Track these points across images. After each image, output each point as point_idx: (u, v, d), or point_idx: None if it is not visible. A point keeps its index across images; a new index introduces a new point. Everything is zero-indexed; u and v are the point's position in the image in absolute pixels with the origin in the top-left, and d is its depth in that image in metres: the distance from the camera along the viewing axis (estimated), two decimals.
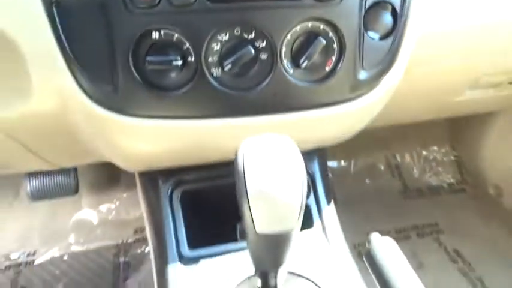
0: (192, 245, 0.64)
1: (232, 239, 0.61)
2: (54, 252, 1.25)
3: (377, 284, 0.49)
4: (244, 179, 0.40)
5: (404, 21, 0.58)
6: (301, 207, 0.41)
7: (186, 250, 0.63)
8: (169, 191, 0.67)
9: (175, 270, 0.60)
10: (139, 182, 0.72)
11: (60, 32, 0.51)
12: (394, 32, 0.57)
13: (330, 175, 1.52)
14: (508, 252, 1.26)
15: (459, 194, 1.51)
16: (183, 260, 0.62)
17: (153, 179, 0.69)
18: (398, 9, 0.57)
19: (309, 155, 0.71)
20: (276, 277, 0.50)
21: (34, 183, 1.10)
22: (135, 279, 1.17)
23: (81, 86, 0.54)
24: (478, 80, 0.78)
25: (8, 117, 0.58)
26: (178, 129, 0.58)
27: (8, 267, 1.23)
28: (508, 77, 0.81)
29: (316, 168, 0.72)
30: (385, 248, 0.50)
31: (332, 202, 0.71)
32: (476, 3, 0.65)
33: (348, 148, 1.55)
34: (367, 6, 0.55)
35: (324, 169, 0.74)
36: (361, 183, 1.52)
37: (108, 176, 1.35)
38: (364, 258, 0.51)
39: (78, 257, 1.24)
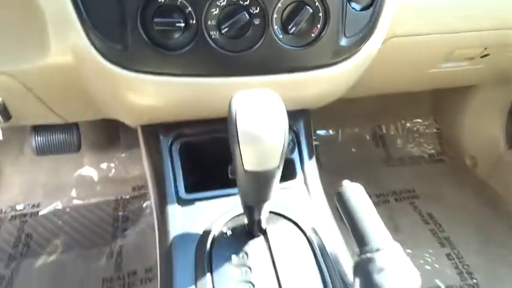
0: (189, 189, 0.72)
1: (225, 185, 0.70)
2: (57, 204, 1.34)
3: (345, 220, 0.58)
4: (236, 123, 0.47)
5: None
6: (283, 148, 0.49)
7: (183, 193, 0.71)
8: (169, 142, 0.75)
9: (174, 210, 0.69)
10: (141, 134, 0.79)
11: None
12: (374, 4, 0.64)
13: (317, 143, 1.61)
14: (476, 215, 1.38)
15: (438, 164, 1.61)
16: (181, 201, 0.70)
17: (154, 132, 0.76)
18: None
19: (295, 115, 0.79)
20: (260, 212, 0.59)
21: (39, 139, 1.17)
22: (133, 230, 1.27)
23: (93, 44, 0.61)
24: (453, 53, 0.86)
25: (27, 70, 0.65)
26: (178, 86, 0.65)
27: (14, 217, 1.32)
28: (481, 51, 0.89)
29: (301, 126, 0.80)
30: (354, 191, 0.59)
31: (314, 158, 0.80)
32: None
33: (337, 118, 1.64)
34: None
35: (307, 129, 0.81)
36: (347, 151, 1.61)
37: (109, 137, 1.43)
38: (335, 199, 0.60)
39: (79, 210, 1.34)
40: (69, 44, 0.62)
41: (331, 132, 1.65)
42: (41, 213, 1.33)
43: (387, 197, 1.45)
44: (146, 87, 0.66)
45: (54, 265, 1.18)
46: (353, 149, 1.62)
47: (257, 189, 0.54)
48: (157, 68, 0.63)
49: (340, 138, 1.64)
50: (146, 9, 0.58)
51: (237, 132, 0.47)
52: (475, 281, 1.20)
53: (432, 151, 1.66)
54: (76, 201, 1.36)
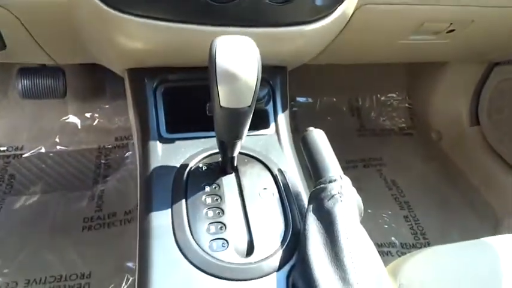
0: (170, 130, 0.78)
1: (206, 129, 0.76)
2: (41, 148, 1.39)
3: (306, 158, 0.66)
4: (215, 62, 0.53)
5: None
6: (255, 89, 0.55)
7: (164, 133, 0.77)
8: (154, 86, 0.80)
9: (155, 147, 0.75)
10: (127, 78, 0.84)
11: None
12: None
13: (296, 109, 1.69)
14: (436, 185, 1.49)
15: (406, 136, 1.71)
16: (162, 139, 0.76)
17: (140, 76, 0.81)
18: None
19: (272, 70, 0.85)
20: (233, 150, 0.66)
21: (25, 82, 1.20)
22: (114, 177, 1.33)
23: None
24: (421, 25, 0.93)
25: (22, 4, 0.69)
26: (164, 30, 0.69)
27: None
28: (447, 26, 0.96)
29: (277, 82, 0.86)
30: (316, 135, 0.67)
31: (287, 111, 0.87)
32: None
33: (316, 88, 1.71)
34: None
35: (283, 84, 0.88)
36: (323, 119, 1.70)
37: (94, 87, 1.46)
38: (300, 142, 0.68)
39: (62, 155, 1.39)
40: None
41: (310, 100, 1.72)
42: (24, 155, 1.37)
43: (356, 163, 1.55)
44: (135, 30, 0.70)
45: (36, 204, 1.23)
46: (329, 118, 1.70)
47: (231, 126, 0.60)
48: (147, 11, 0.67)
49: (318, 107, 1.72)
50: None
51: (216, 71, 0.53)
52: (427, 240, 1.32)
53: (402, 125, 1.76)
54: (59, 147, 1.40)
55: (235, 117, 0.58)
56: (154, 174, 0.69)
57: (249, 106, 0.57)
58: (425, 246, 1.30)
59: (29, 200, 1.24)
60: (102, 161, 1.39)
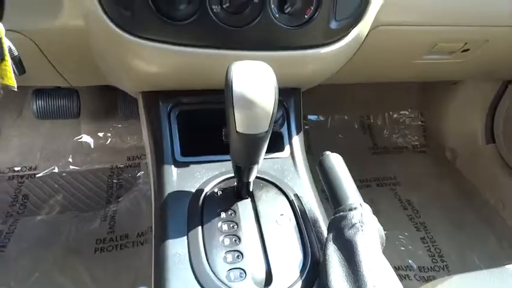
0: (185, 153, 0.78)
1: (220, 152, 0.76)
2: (54, 168, 1.40)
3: (324, 184, 0.64)
4: (232, 87, 0.53)
5: None
6: (272, 114, 0.55)
7: (179, 156, 0.77)
8: (168, 109, 0.80)
9: (170, 170, 0.74)
10: (142, 101, 0.84)
11: None
12: None
13: (308, 127, 1.68)
14: (452, 204, 1.46)
15: (420, 154, 1.69)
16: (176, 163, 0.76)
17: (154, 99, 0.81)
18: None
19: (286, 92, 0.85)
20: (248, 175, 0.65)
21: (40, 103, 1.22)
22: (127, 197, 1.33)
23: (104, 10, 0.66)
24: (435, 46, 0.92)
25: (40, 31, 0.70)
26: (179, 54, 0.70)
27: (11, 178, 1.37)
28: (462, 46, 0.95)
29: (291, 103, 0.86)
30: (334, 159, 0.66)
31: (301, 134, 0.86)
32: None
33: (328, 106, 1.70)
34: None
35: (297, 106, 0.87)
36: (335, 137, 1.68)
37: (107, 107, 1.47)
38: (317, 167, 0.66)
39: (75, 175, 1.39)
40: (81, 7, 0.67)
41: (321, 118, 1.71)
42: (37, 175, 1.38)
43: (370, 182, 1.53)
44: (150, 54, 0.71)
45: (49, 225, 1.23)
46: (340, 136, 1.69)
47: (247, 151, 0.59)
48: (162, 36, 0.68)
49: (329, 125, 1.71)
50: None
51: (232, 96, 0.53)
52: (445, 263, 1.29)
53: (416, 142, 1.73)
54: (72, 167, 1.41)
55: (252, 143, 0.58)
56: (169, 200, 0.69)
57: (266, 132, 0.56)
58: (443, 269, 1.27)
59: (42, 221, 1.24)
60: (115, 181, 1.39)
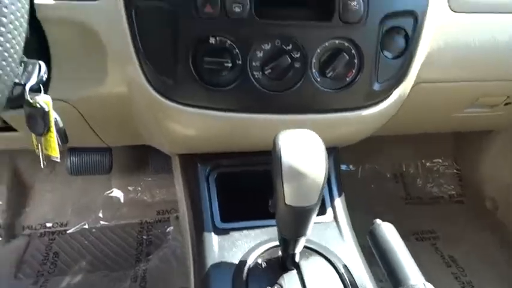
0: (225, 219, 0.75)
1: (260, 216, 0.73)
2: (84, 224, 1.39)
3: (378, 258, 0.60)
4: (280, 159, 0.52)
5: (415, 44, 0.69)
6: (322, 186, 0.53)
7: (219, 223, 0.74)
8: (207, 172, 0.79)
9: (210, 239, 0.71)
10: (179, 163, 0.84)
11: (135, 30, 0.64)
12: (405, 53, 0.69)
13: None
14: (498, 260, 1.36)
15: (457, 205, 1.61)
16: (217, 230, 0.73)
17: (192, 161, 0.81)
18: (410, 34, 0.68)
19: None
20: (295, 246, 0.61)
21: (74, 159, 1.24)
22: (157, 255, 1.30)
23: (146, 77, 0.67)
24: (477, 100, 0.90)
25: (84, 98, 0.72)
26: (221, 120, 0.70)
27: (43, 234, 1.36)
28: (504, 99, 0.93)
29: (331, 164, 0.84)
30: (386, 230, 0.62)
31: (343, 195, 0.83)
32: (482, 31, 0.76)
33: (358, 155, 1.67)
34: (384, 30, 0.67)
35: (337, 167, 0.85)
36: (367, 187, 1.63)
37: (138, 161, 1.48)
38: (368, 237, 0.63)
39: (105, 231, 1.38)
40: (124, 75, 0.68)
41: (352, 168, 1.68)
42: (68, 231, 1.37)
43: (408, 236, 1.45)
44: (190, 119, 0.71)
45: (80, 285, 1.21)
46: (372, 185, 1.64)
47: (295, 224, 0.57)
48: (203, 102, 0.68)
49: (360, 174, 1.66)
50: (198, 49, 0.64)
51: (281, 168, 0.51)
52: None
53: (452, 192, 1.66)
54: (102, 222, 1.40)
55: (300, 215, 0.56)
56: (211, 273, 0.65)
57: (316, 204, 0.54)
58: None
59: (72, 281, 1.21)
60: (144, 237, 1.37)
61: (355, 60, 0.67)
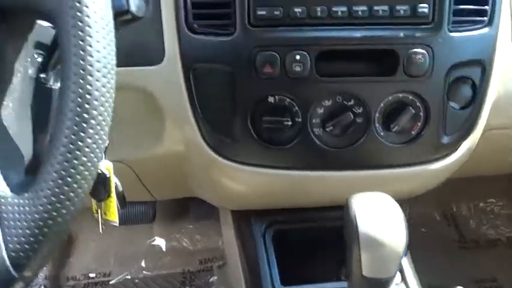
0: (285, 282, 0.71)
1: (323, 278, 0.69)
2: (127, 274, 1.37)
3: None
4: (357, 226, 0.48)
5: (483, 93, 0.66)
6: (402, 256, 0.49)
7: (279, 286, 0.70)
8: (263, 230, 0.76)
9: None
10: (231, 219, 0.82)
11: (193, 91, 0.63)
12: (473, 103, 0.65)
13: None
14: None
15: None
16: None
17: (246, 217, 0.78)
18: (477, 83, 0.65)
19: None
20: None
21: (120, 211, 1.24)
22: None
23: (203, 136, 0.66)
24: None
25: (141, 159, 0.71)
26: (280, 178, 0.68)
27: (86, 285, 1.35)
28: None
29: None
30: None
31: (409, 253, 0.77)
32: None
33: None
34: (450, 81, 0.64)
35: None
36: (417, 231, 1.54)
37: (180, 209, 1.47)
38: None
39: (148, 282, 1.35)
40: (181, 135, 0.67)
41: None
42: (111, 282, 1.35)
43: (467, 284, 1.34)
44: (248, 178, 0.69)
45: None
46: (423, 229, 1.55)
47: None
48: (262, 160, 0.67)
49: (408, 218, 1.58)
50: (256, 108, 0.63)
51: (358, 236, 0.48)
52: None
53: (510, 234, 1.55)
54: (145, 272, 1.38)
55: (376, 286, 0.51)
56: None
57: (394, 275, 0.50)
58: None
59: None
60: (187, 287, 1.33)
61: (421, 113, 0.64)
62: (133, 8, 0.45)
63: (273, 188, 0.70)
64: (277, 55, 0.60)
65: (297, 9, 0.59)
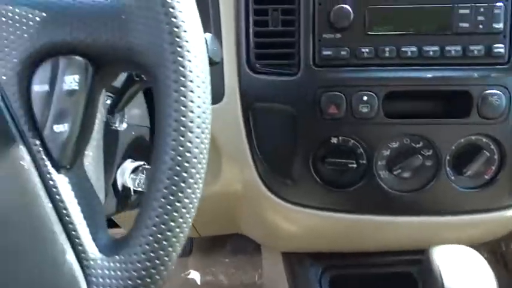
0: None
1: None
2: None
3: None
4: (442, 284, 0.45)
5: None
6: None
7: None
8: (319, 274, 0.72)
9: None
10: (283, 260, 0.78)
11: (252, 131, 0.62)
12: None
13: None
14: None
15: None
16: None
17: (300, 260, 0.74)
18: None
19: None
20: None
21: None
22: None
23: (261, 177, 0.64)
24: None
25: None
26: (341, 221, 0.64)
27: None
28: None
29: None
30: None
31: None
32: None
33: None
34: None
35: None
36: None
37: (216, 242, 1.44)
38: None
39: None
40: (238, 175, 0.65)
41: None
42: None
43: None
44: (306, 221, 0.66)
45: None
46: None
47: None
48: (321, 203, 0.64)
49: None
50: (318, 150, 0.61)
51: None
52: None
53: None
54: None
55: None
56: None
57: None
58: None
59: None
60: None
61: (495, 156, 0.60)
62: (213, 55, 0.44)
63: (331, 232, 0.67)
64: (343, 96, 0.58)
65: (364, 50, 0.58)
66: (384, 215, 0.63)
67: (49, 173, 0.30)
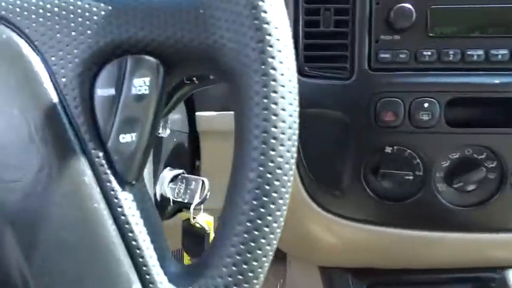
0: None
1: None
2: None
3: None
4: None
5: None
6: None
7: None
8: None
9: None
10: (321, 275, 0.73)
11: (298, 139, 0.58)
12: None
13: None
14: None
15: None
16: None
17: (341, 276, 0.70)
18: None
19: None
20: None
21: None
22: None
23: (305, 187, 0.60)
24: None
25: None
26: (392, 236, 0.60)
27: None
28: None
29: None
30: None
31: None
32: None
33: None
34: None
35: None
36: None
37: None
38: None
39: None
40: None
41: None
42: None
43: None
44: (352, 235, 0.62)
45: None
46: None
47: None
48: (372, 216, 0.59)
49: None
50: (372, 159, 0.56)
51: None
52: None
53: None
54: None
55: None
56: None
57: None
58: None
59: None
60: None
61: None
62: None
63: (376, 246, 0.62)
64: (402, 102, 0.54)
65: (426, 53, 0.53)
66: (440, 231, 0.58)
67: (113, 190, 0.26)
